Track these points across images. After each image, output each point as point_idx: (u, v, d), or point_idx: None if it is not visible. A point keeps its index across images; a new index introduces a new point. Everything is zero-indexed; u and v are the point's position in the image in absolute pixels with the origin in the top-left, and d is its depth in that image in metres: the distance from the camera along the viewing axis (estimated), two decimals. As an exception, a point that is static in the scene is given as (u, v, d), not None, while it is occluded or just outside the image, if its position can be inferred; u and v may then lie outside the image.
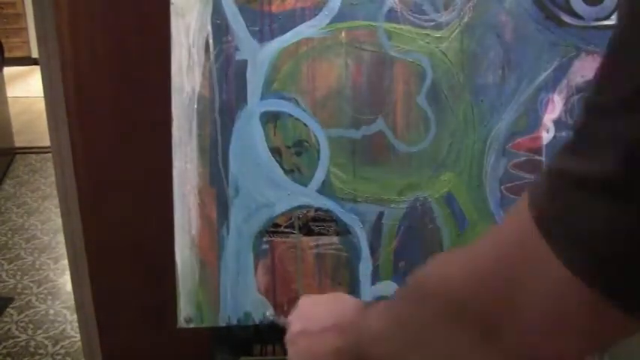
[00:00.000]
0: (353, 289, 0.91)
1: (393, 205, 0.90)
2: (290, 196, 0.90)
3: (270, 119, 0.89)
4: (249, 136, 0.89)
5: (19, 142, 4.43)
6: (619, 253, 0.34)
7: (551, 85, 0.89)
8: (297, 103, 0.89)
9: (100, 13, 1.19)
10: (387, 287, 0.91)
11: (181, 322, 0.90)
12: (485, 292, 0.42)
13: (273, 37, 0.89)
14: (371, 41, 0.89)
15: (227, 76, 0.89)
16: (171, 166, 0.89)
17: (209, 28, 0.89)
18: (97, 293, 1.36)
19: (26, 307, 2.58)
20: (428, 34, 0.89)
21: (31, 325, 2.45)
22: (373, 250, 0.91)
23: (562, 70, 0.89)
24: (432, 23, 0.89)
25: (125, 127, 1.25)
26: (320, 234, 0.90)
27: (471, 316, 0.43)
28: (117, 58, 1.22)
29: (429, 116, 0.90)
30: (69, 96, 1.25)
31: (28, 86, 5.86)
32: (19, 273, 2.84)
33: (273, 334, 0.91)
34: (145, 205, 1.28)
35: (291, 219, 0.90)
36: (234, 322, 0.90)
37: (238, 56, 0.89)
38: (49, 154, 2.07)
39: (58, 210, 1.48)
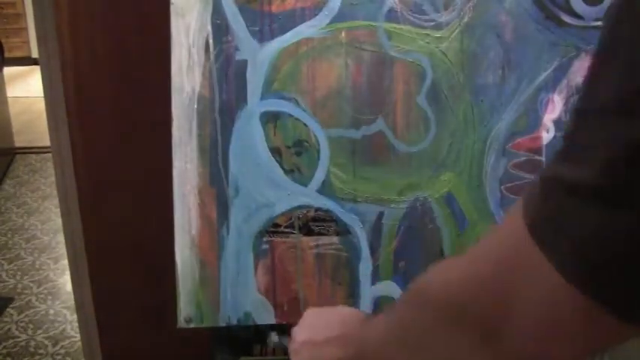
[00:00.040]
0: (353, 289, 0.91)
1: (393, 205, 0.90)
2: (290, 196, 0.90)
3: (270, 119, 0.89)
4: (249, 136, 0.89)
5: (19, 142, 4.43)
6: (610, 259, 0.34)
7: (551, 85, 0.89)
8: (297, 103, 0.89)
9: (100, 13, 1.19)
10: (387, 287, 0.91)
11: (181, 322, 0.89)
12: (484, 297, 0.42)
13: (273, 37, 0.89)
14: (371, 41, 0.89)
15: (227, 76, 0.89)
16: (171, 166, 0.89)
17: (209, 28, 0.89)
18: (97, 293, 1.36)
19: (26, 307, 2.58)
20: (428, 34, 0.89)
21: (31, 325, 2.45)
22: (373, 250, 0.91)
23: (562, 70, 0.89)
24: (432, 23, 0.89)
25: (125, 127, 1.25)
26: (320, 234, 0.90)
27: (471, 321, 0.43)
28: (117, 58, 1.21)
29: (429, 116, 0.90)
30: (69, 96, 1.25)
31: (28, 86, 5.86)
32: (19, 273, 2.84)
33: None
34: (145, 205, 1.28)
35: (291, 219, 0.90)
36: (234, 322, 0.90)
37: (238, 56, 0.89)
38: (49, 154, 2.07)
39: (58, 210, 1.48)
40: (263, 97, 0.89)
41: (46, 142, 1.65)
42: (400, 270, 0.91)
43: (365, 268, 0.91)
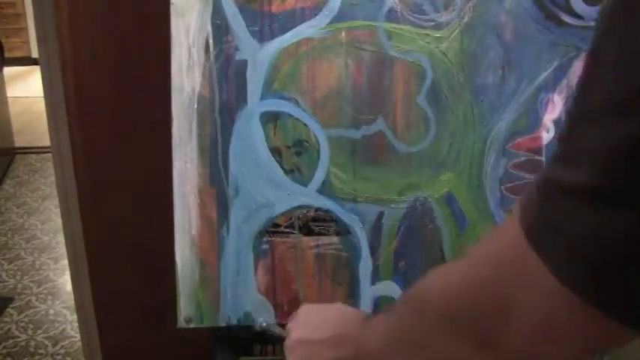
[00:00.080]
0: (353, 289, 0.91)
1: (393, 205, 0.90)
2: (290, 196, 0.90)
3: (270, 119, 0.89)
4: (249, 136, 0.89)
5: (19, 142, 4.43)
6: (611, 259, 0.34)
7: (551, 85, 0.89)
8: (297, 103, 0.89)
9: (100, 13, 1.19)
10: (387, 287, 0.91)
11: (181, 322, 0.89)
12: (482, 301, 0.42)
13: (273, 37, 0.89)
14: (371, 41, 0.89)
15: (227, 76, 0.89)
16: (171, 166, 0.89)
17: (209, 28, 0.89)
18: (97, 293, 1.36)
19: (26, 307, 2.58)
20: (428, 34, 0.89)
21: (31, 325, 2.45)
22: (373, 250, 0.91)
23: (562, 70, 0.89)
24: (432, 23, 0.89)
25: (125, 127, 1.25)
26: (320, 234, 0.90)
27: (470, 325, 0.44)
28: (117, 58, 1.21)
29: (429, 116, 0.90)
30: (69, 96, 1.25)
31: (28, 86, 5.86)
32: (19, 273, 2.84)
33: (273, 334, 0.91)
34: (145, 205, 1.28)
35: (291, 219, 0.90)
36: (234, 322, 0.90)
37: (238, 56, 0.89)
38: (49, 154, 2.07)
39: (58, 210, 1.48)
40: (263, 97, 0.89)
41: (46, 142, 1.65)
42: (400, 270, 0.91)
43: (365, 268, 0.91)
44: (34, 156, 4.33)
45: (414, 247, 0.91)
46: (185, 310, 0.89)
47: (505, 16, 0.89)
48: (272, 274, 0.90)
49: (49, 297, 2.65)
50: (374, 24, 0.89)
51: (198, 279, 0.89)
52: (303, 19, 0.89)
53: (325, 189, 0.90)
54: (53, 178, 1.61)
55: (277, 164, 0.90)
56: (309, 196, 0.90)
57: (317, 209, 0.90)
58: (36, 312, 2.54)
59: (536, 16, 0.89)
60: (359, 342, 0.62)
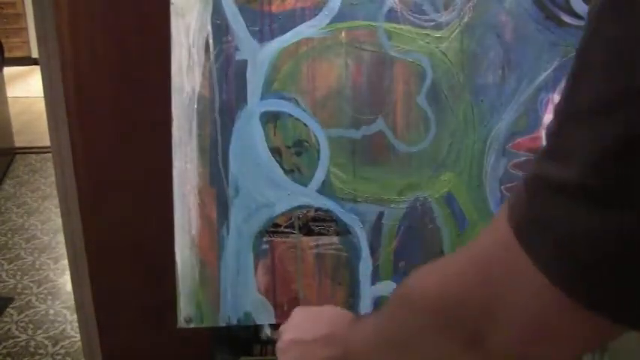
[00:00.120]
0: (353, 289, 0.91)
1: (393, 205, 0.90)
2: (290, 196, 0.90)
3: (270, 119, 0.89)
4: (249, 136, 0.89)
5: (19, 142, 4.43)
6: (601, 259, 0.33)
7: (551, 85, 0.89)
8: (297, 103, 0.89)
9: (100, 13, 1.19)
10: (387, 287, 0.91)
11: (181, 322, 0.89)
12: (470, 301, 0.42)
13: (273, 37, 0.89)
14: (371, 41, 0.89)
15: (227, 76, 0.89)
16: (171, 166, 0.89)
17: (209, 28, 0.89)
18: (97, 293, 1.36)
19: (26, 307, 2.58)
20: (428, 34, 0.89)
21: (31, 325, 2.45)
22: (373, 250, 0.91)
23: (562, 70, 0.89)
24: (432, 23, 0.89)
25: (125, 127, 1.25)
26: (320, 234, 0.90)
27: (458, 324, 0.43)
28: (117, 58, 1.21)
29: (429, 116, 0.90)
30: (69, 96, 1.25)
31: (28, 86, 5.86)
32: (19, 273, 2.84)
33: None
34: (145, 205, 1.28)
35: (291, 219, 0.90)
36: (234, 322, 0.90)
37: (238, 56, 0.89)
38: (49, 154, 2.07)
39: (58, 210, 1.48)
40: (263, 97, 0.89)
41: (46, 142, 1.66)
42: (400, 270, 0.91)
43: (365, 268, 0.91)
44: (34, 156, 4.33)
45: (414, 247, 0.91)
46: (185, 310, 0.89)
47: (505, 16, 0.89)
48: (272, 274, 0.90)
49: (49, 297, 2.65)
50: (374, 24, 0.89)
51: (198, 279, 0.89)
52: (303, 19, 0.89)
53: (325, 189, 0.90)
54: (53, 178, 1.61)
55: (277, 164, 0.90)
56: (309, 196, 0.90)
57: (317, 209, 0.90)
58: (36, 312, 2.54)
59: (536, 16, 0.89)
60: (348, 341, 0.62)
